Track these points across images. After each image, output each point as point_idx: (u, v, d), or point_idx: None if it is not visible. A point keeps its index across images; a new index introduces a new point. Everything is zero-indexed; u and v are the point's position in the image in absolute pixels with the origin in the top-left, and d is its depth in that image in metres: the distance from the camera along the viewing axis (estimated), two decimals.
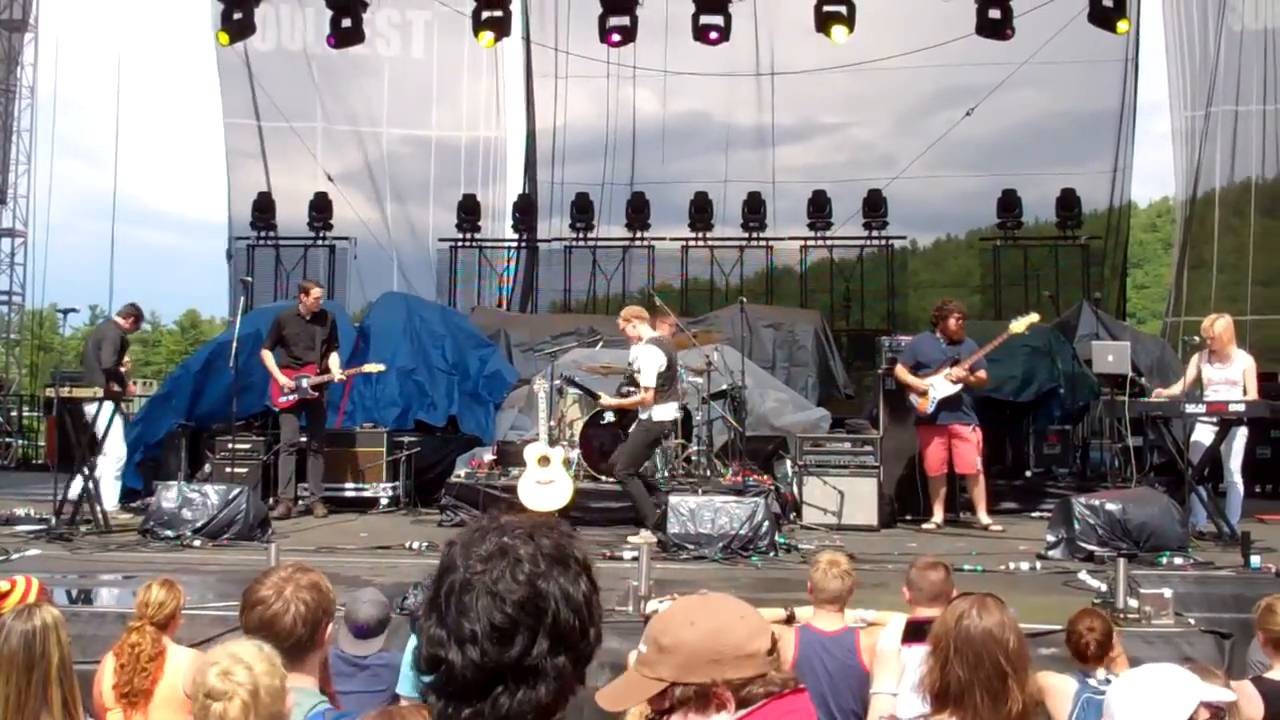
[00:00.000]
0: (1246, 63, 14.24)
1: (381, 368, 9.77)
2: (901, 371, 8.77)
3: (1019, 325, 8.48)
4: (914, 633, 2.81)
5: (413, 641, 3.88)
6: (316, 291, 9.34)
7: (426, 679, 1.37)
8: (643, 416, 7.91)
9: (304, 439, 9.21)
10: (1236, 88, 14.31)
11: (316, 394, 9.14)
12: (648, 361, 7.72)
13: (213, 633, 4.80)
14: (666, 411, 7.87)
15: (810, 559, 4.34)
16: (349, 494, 9.68)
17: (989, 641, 2.51)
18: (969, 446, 8.48)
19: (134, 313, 9.36)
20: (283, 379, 9.02)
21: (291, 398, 9.05)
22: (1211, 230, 14.67)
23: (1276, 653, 3.66)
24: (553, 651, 1.35)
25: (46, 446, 13.82)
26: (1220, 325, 8.01)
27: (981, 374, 8.59)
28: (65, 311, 17.76)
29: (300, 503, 9.18)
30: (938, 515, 8.62)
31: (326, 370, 9.19)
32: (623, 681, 1.83)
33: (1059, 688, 3.56)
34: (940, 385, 8.49)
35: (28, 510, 8.67)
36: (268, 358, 9.09)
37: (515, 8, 15.67)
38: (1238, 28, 14.21)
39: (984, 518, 8.47)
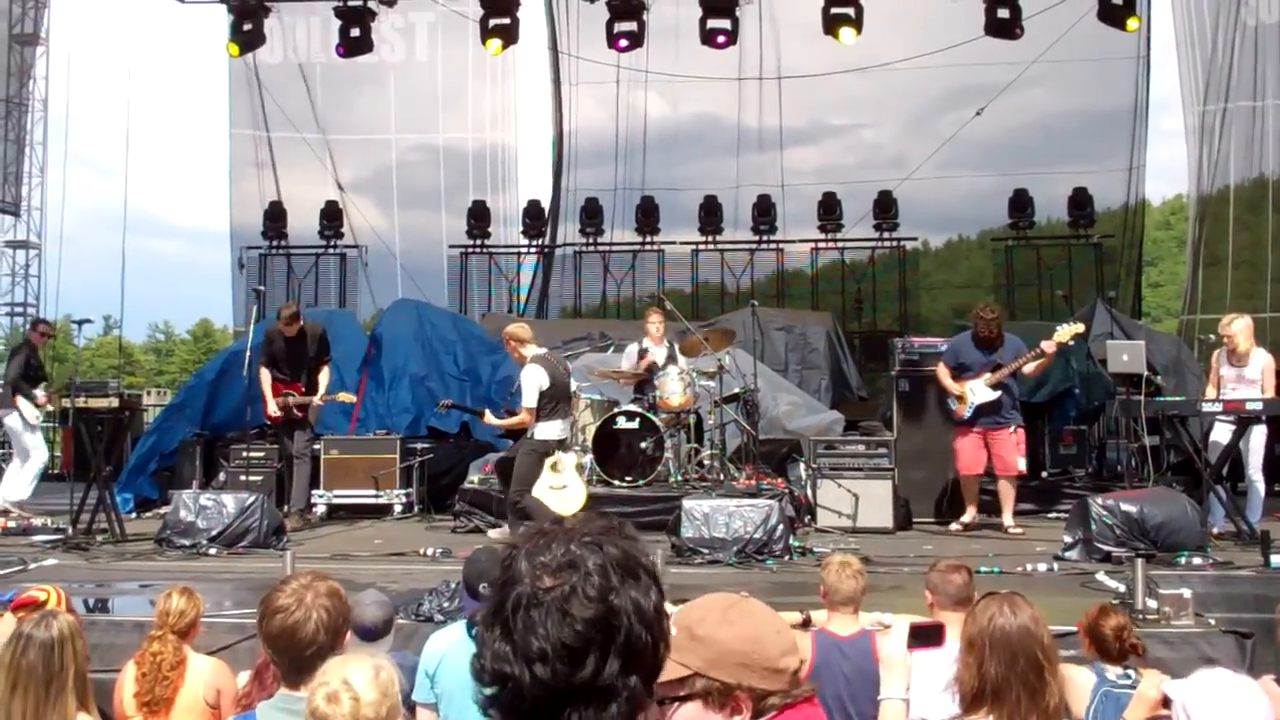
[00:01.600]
0: (1261, 57, 14.09)
1: (352, 398, 9.87)
2: (942, 373, 8.64)
3: (1063, 335, 8.31)
4: (918, 637, 2.80)
5: (433, 644, 3.87)
6: (283, 314, 9.23)
7: (488, 691, 1.33)
8: (527, 435, 7.90)
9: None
10: (1252, 83, 14.16)
11: (301, 413, 9.18)
12: (529, 381, 7.74)
13: (230, 640, 4.82)
14: (550, 430, 7.83)
15: (821, 562, 4.32)
16: (363, 501, 9.71)
17: (1025, 638, 2.50)
18: (1009, 448, 8.35)
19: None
20: (271, 405, 9.05)
21: (280, 414, 9.10)
22: (1226, 227, 14.53)
23: None
24: (624, 671, 1.30)
25: (62, 456, 13.87)
26: (1237, 325, 7.93)
27: (1030, 368, 8.46)
28: (79, 322, 17.74)
29: (314, 510, 9.23)
30: (970, 514, 8.53)
31: (315, 386, 9.22)
32: None
33: (1078, 680, 3.54)
34: (979, 390, 8.37)
35: (45, 520, 8.72)
36: (263, 375, 9.13)
37: (539, 16, 15.74)
38: (1251, 22, 14.07)
39: (1008, 519, 8.39)
